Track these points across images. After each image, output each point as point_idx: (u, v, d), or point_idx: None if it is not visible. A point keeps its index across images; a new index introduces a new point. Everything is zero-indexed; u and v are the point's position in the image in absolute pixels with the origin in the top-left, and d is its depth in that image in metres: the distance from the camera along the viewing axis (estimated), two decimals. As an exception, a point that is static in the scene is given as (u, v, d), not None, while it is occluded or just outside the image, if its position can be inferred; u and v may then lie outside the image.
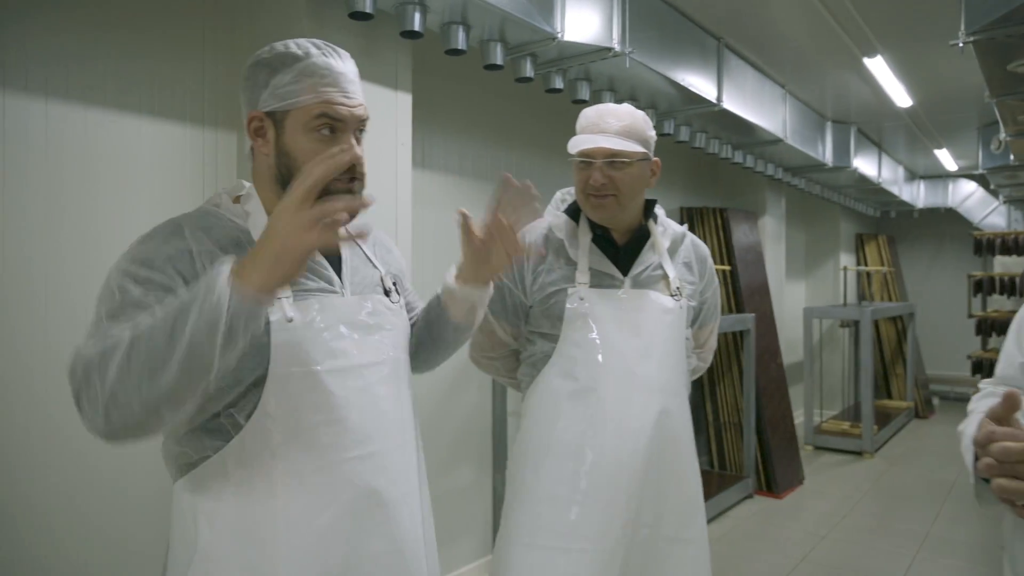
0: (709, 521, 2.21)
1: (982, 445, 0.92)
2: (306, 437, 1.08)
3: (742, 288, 4.92)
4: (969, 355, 6.97)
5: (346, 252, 1.24)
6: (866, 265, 7.83)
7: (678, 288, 1.72)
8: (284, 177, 1.14)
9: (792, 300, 6.76)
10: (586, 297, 1.67)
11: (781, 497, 4.67)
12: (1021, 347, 1.18)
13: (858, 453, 5.79)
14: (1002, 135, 4.15)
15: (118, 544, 1.98)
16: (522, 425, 1.75)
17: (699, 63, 3.43)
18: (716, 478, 4.62)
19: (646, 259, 1.73)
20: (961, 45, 2.58)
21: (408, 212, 2.44)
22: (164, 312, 0.92)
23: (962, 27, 2.55)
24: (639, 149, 1.63)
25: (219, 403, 1.07)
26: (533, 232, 1.79)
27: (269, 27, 2.23)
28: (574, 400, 1.64)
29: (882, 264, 7.96)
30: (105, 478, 1.94)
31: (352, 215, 0.98)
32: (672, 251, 1.78)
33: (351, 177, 1.15)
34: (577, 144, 1.64)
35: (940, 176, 7.74)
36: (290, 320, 1.08)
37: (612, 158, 1.62)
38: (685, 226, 1.85)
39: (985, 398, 1.24)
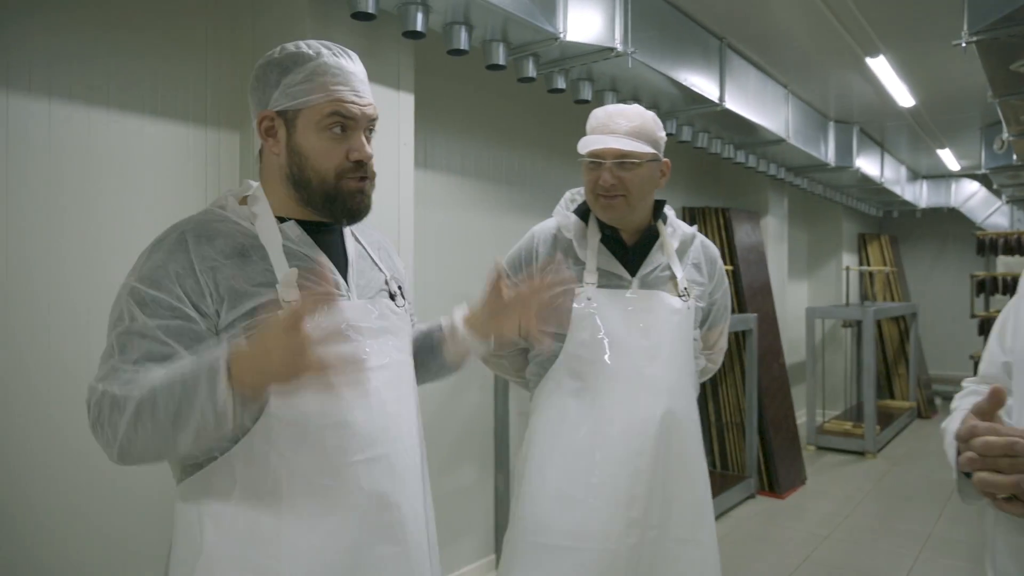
0: (711, 521, 2.21)
1: (964, 440, 0.93)
2: (313, 440, 1.09)
3: (744, 288, 4.92)
4: (972, 355, 6.95)
5: (352, 255, 1.25)
6: (868, 265, 7.82)
7: (686, 289, 1.72)
8: (295, 176, 1.15)
9: (794, 300, 6.75)
10: (594, 297, 1.67)
11: (783, 497, 4.67)
12: (1004, 347, 1.19)
13: (860, 453, 5.78)
14: (1005, 135, 4.14)
15: (119, 544, 1.98)
16: (530, 424, 1.76)
17: (701, 63, 3.42)
18: (718, 478, 4.62)
19: (654, 260, 1.73)
20: (964, 45, 2.57)
21: (410, 212, 2.44)
22: (168, 391, 0.97)
23: (965, 27, 2.55)
24: (648, 150, 1.63)
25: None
26: (542, 232, 1.80)
27: (272, 27, 2.24)
28: (581, 399, 1.64)
29: (884, 264, 7.95)
30: (106, 478, 1.95)
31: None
32: (681, 252, 1.78)
33: (361, 176, 1.16)
34: (587, 144, 1.65)
35: (943, 176, 7.73)
36: None
37: (622, 159, 1.62)
38: (695, 227, 1.85)
39: (968, 396, 1.24)
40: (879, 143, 6.08)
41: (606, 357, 1.64)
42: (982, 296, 7.01)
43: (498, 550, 3.32)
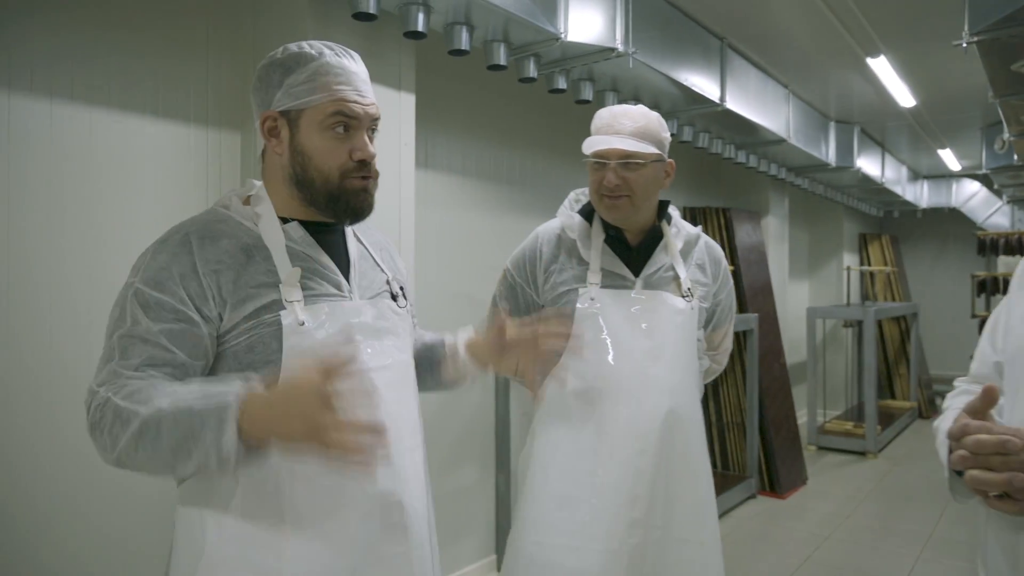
0: (712, 521, 2.21)
1: (956, 438, 0.94)
2: None
3: (745, 288, 4.92)
4: (972, 355, 6.92)
5: (354, 256, 1.25)
6: (869, 265, 7.82)
7: (689, 289, 1.72)
8: (298, 176, 1.15)
9: (795, 300, 6.75)
10: (597, 297, 1.67)
11: (784, 497, 4.67)
12: (995, 347, 1.20)
13: (861, 453, 5.78)
14: (1006, 135, 4.14)
15: (120, 544, 1.98)
16: (533, 424, 1.76)
17: (702, 63, 3.42)
18: (719, 478, 4.61)
19: (658, 260, 1.73)
20: (964, 45, 2.57)
21: (411, 212, 2.44)
22: (173, 421, 0.96)
23: (965, 27, 2.55)
24: (653, 150, 1.63)
25: None
26: (546, 232, 1.80)
27: (273, 27, 2.24)
28: (584, 400, 1.64)
29: (885, 264, 7.94)
30: (107, 478, 1.94)
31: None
32: (685, 253, 1.78)
33: (365, 175, 1.16)
34: (591, 145, 1.65)
35: (943, 176, 7.72)
36: (302, 324, 1.09)
37: (626, 159, 1.62)
38: (699, 227, 1.85)
39: (959, 395, 1.25)
40: (880, 143, 6.08)
41: (609, 357, 1.64)
42: (983, 296, 7.01)
43: (498, 550, 3.32)
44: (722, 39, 3.61)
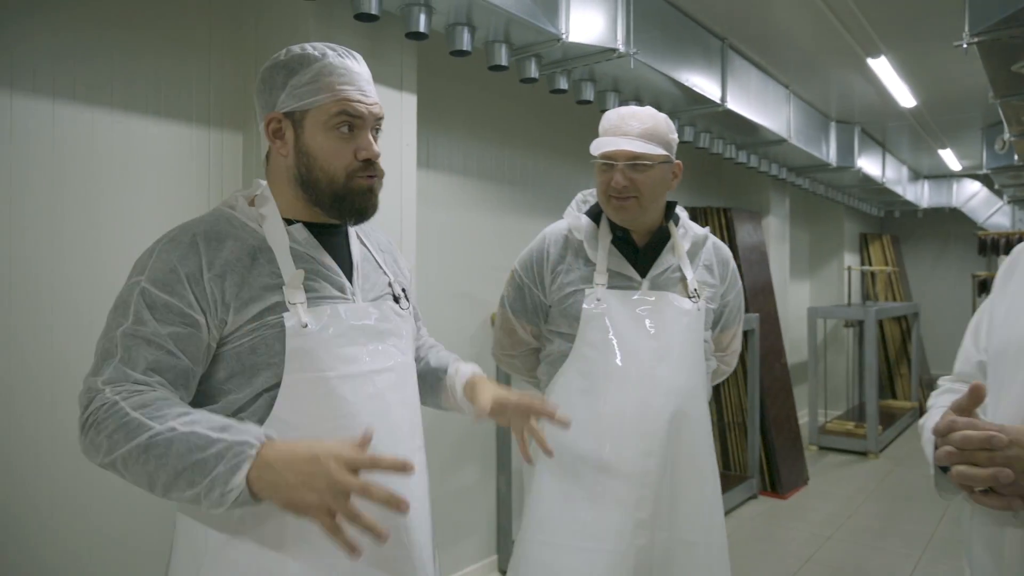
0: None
1: (943, 435, 0.95)
2: None
3: (746, 288, 4.91)
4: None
5: (357, 258, 1.25)
6: (870, 265, 7.82)
7: (696, 290, 1.72)
8: (303, 177, 1.15)
9: (796, 300, 6.75)
10: (603, 298, 1.67)
11: (785, 497, 4.67)
12: (978, 346, 1.22)
13: (863, 453, 5.78)
14: (1006, 135, 4.15)
15: (121, 543, 1.98)
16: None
17: (703, 64, 3.43)
18: (720, 478, 4.61)
19: (665, 261, 1.73)
20: (965, 46, 2.57)
21: (412, 212, 2.44)
22: (183, 453, 0.95)
23: (966, 28, 2.55)
24: (661, 152, 1.63)
25: (231, 408, 1.08)
26: (553, 234, 1.81)
27: (274, 28, 2.24)
28: (590, 400, 1.64)
29: (886, 264, 7.94)
30: (108, 478, 1.94)
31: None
32: (692, 253, 1.78)
33: (370, 174, 1.17)
34: (599, 146, 1.65)
35: (944, 176, 7.72)
36: (305, 326, 1.09)
37: (634, 160, 1.63)
38: (707, 228, 1.85)
39: (944, 394, 1.26)
40: (880, 143, 6.08)
41: (615, 358, 1.65)
42: (983, 296, 7.00)
43: (499, 551, 3.32)
44: (723, 39, 3.61)
